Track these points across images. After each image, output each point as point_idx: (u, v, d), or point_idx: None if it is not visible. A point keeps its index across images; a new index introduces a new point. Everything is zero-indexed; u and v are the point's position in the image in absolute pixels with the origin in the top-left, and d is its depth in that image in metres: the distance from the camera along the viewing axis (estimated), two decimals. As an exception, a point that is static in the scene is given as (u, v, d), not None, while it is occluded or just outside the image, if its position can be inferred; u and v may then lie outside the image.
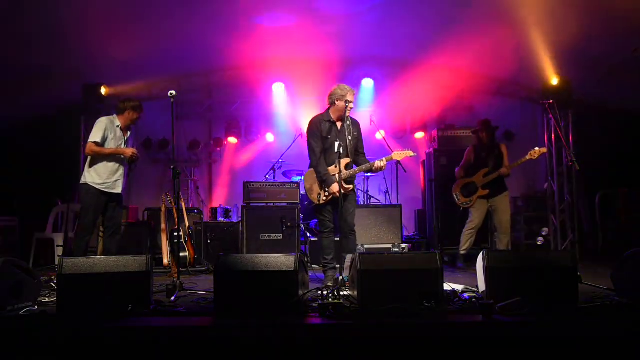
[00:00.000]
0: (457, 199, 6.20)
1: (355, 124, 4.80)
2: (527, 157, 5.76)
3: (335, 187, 4.55)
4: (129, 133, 5.14)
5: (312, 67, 8.59)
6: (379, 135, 7.01)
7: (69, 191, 7.31)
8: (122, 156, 5.01)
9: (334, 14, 6.58)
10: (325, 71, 8.51)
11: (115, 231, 5.08)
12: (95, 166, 4.91)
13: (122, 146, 5.03)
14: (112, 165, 4.95)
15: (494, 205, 6.05)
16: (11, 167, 7.82)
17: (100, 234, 6.39)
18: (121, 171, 5.03)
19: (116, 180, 4.98)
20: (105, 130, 4.92)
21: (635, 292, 3.42)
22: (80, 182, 4.96)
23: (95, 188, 4.88)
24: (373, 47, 7.72)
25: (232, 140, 9.02)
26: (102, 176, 4.90)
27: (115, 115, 5.08)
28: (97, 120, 5.01)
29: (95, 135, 4.88)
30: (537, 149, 5.71)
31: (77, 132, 7.50)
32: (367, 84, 8.46)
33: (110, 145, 4.95)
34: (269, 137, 9.01)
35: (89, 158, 4.96)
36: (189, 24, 6.65)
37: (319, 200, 4.72)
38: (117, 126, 5.03)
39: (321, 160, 4.71)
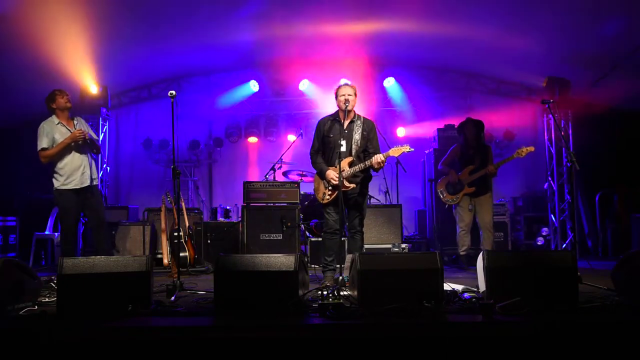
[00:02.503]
0: (443, 196, 6.23)
1: (367, 123, 4.72)
2: (514, 156, 5.77)
3: (330, 174, 4.56)
4: (75, 123, 5.11)
5: (311, 67, 8.64)
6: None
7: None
8: (75, 144, 4.96)
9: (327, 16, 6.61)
10: (324, 71, 8.55)
11: (98, 224, 5.08)
12: (56, 169, 4.95)
13: None
14: (71, 161, 4.95)
15: (477, 205, 6.08)
16: (11, 166, 7.82)
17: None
18: (84, 162, 5.01)
19: (82, 174, 4.97)
20: (48, 134, 4.94)
21: (635, 292, 3.42)
22: (53, 189, 4.99)
23: (65, 190, 4.91)
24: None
25: (233, 140, 9.02)
26: (65, 176, 4.92)
27: (52, 115, 5.07)
28: (39, 128, 5.01)
29: (40, 143, 4.92)
30: (524, 147, 5.71)
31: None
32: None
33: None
34: (270, 137, 9.01)
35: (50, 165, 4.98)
36: (189, 24, 6.66)
37: (323, 199, 4.70)
38: (58, 123, 5.02)
39: (315, 155, 4.74)
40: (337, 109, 4.72)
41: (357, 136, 4.61)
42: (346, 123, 4.66)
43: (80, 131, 4.96)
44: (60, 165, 4.94)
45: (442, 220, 6.97)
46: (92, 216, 5.09)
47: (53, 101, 5.03)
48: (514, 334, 2.93)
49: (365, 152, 4.69)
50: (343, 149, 4.59)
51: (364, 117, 4.74)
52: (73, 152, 4.98)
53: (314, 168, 4.81)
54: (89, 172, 5.02)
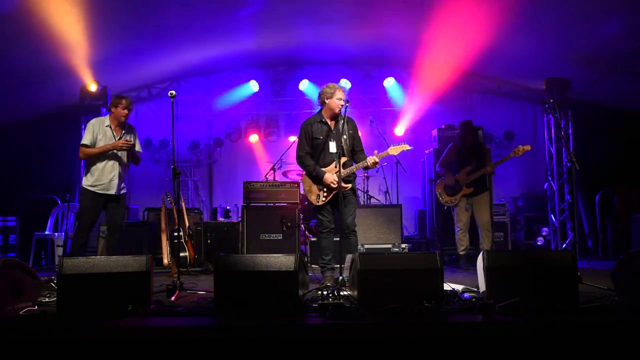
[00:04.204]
0: (441, 197, 6.24)
1: (350, 122, 4.72)
2: (511, 155, 5.79)
3: (329, 178, 4.54)
4: (123, 131, 5.06)
5: (311, 67, 8.64)
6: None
7: (68, 191, 7.33)
8: (118, 153, 4.97)
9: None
10: (324, 71, 8.55)
11: (113, 230, 5.08)
12: (89, 168, 4.94)
13: None
14: (104, 166, 4.93)
15: (474, 204, 6.09)
16: (11, 166, 7.82)
17: (101, 234, 6.42)
18: (116, 171, 4.97)
19: (110, 181, 4.93)
20: (94, 132, 4.93)
21: (635, 292, 3.42)
22: (81, 184, 5.02)
23: (90, 191, 4.89)
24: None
25: (233, 140, 9.03)
26: (95, 177, 4.90)
27: (107, 116, 5.08)
28: (88, 123, 5.03)
29: (84, 138, 4.92)
30: (520, 146, 5.72)
31: (77, 132, 7.52)
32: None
33: (101, 145, 4.94)
34: (270, 137, 9.02)
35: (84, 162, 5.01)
36: (189, 23, 6.66)
37: (318, 201, 4.66)
38: (107, 126, 4.99)
39: (306, 157, 4.68)
40: (320, 107, 4.72)
41: (345, 136, 4.61)
42: (332, 124, 4.67)
43: (125, 142, 4.90)
44: (93, 167, 4.92)
45: (442, 220, 6.97)
46: (109, 220, 5.07)
47: (115, 107, 5.00)
48: (514, 334, 2.93)
49: (353, 150, 4.72)
50: (333, 149, 4.57)
51: (345, 117, 4.70)
52: (108, 159, 4.94)
53: (304, 170, 4.75)
54: (117, 181, 4.96)
